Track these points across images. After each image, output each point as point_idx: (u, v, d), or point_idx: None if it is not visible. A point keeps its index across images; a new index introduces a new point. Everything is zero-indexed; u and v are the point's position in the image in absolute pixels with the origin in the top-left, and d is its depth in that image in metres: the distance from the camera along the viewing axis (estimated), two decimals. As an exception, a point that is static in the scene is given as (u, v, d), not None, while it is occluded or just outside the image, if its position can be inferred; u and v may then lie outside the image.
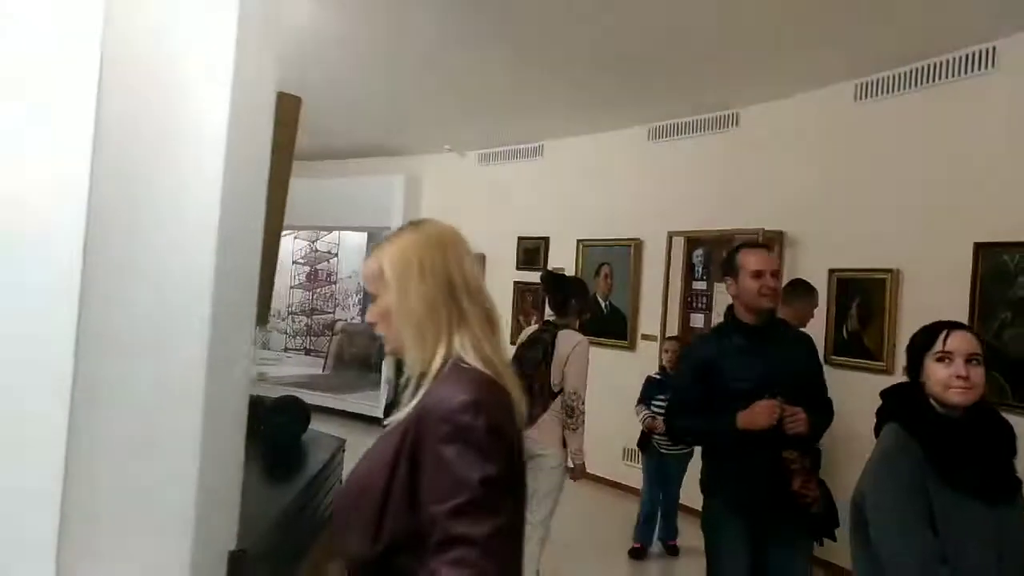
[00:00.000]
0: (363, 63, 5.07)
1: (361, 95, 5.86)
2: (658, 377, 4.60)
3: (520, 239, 7.02)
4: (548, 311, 3.75)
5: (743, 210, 5.15)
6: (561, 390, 3.46)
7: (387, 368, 7.37)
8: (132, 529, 1.68)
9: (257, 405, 3.00)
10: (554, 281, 3.79)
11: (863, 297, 4.39)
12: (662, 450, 4.47)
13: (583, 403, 3.46)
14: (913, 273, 4.18)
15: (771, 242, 4.93)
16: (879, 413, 1.94)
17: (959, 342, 1.78)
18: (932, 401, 1.82)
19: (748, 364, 2.47)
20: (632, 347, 5.94)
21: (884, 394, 1.96)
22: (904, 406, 1.87)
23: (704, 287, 5.56)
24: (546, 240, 6.85)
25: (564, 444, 3.48)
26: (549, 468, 3.45)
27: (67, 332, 1.54)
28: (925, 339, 1.85)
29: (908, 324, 4.19)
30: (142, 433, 1.70)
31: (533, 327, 3.80)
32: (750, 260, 2.53)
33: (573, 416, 3.44)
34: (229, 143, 1.78)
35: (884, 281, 4.26)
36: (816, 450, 2.60)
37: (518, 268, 6.99)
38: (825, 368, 2.98)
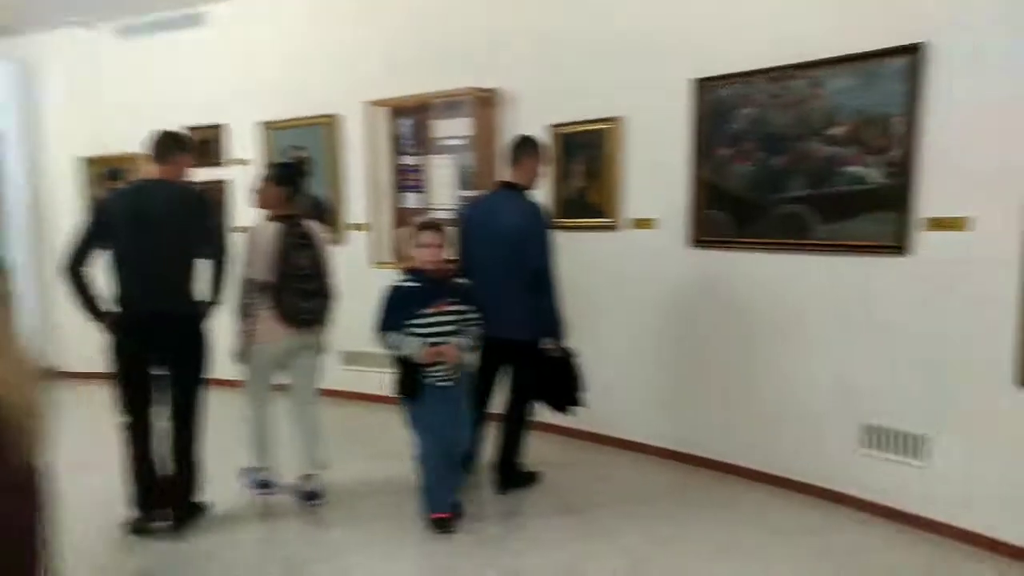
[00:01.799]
0: None
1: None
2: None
3: (188, 130, 5.66)
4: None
5: (450, 69, 4.54)
6: None
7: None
8: None
9: None
10: (284, 170, 3.61)
11: (587, 152, 4.10)
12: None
13: None
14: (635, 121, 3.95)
15: (486, 102, 4.43)
16: None
17: None
18: None
19: None
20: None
21: None
22: None
23: (416, 162, 4.91)
24: (221, 128, 5.62)
25: None
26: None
27: None
28: None
29: (634, 175, 4.00)
30: None
31: (264, 223, 3.40)
32: None
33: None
34: None
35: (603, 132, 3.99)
36: None
37: (189, 165, 5.66)
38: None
